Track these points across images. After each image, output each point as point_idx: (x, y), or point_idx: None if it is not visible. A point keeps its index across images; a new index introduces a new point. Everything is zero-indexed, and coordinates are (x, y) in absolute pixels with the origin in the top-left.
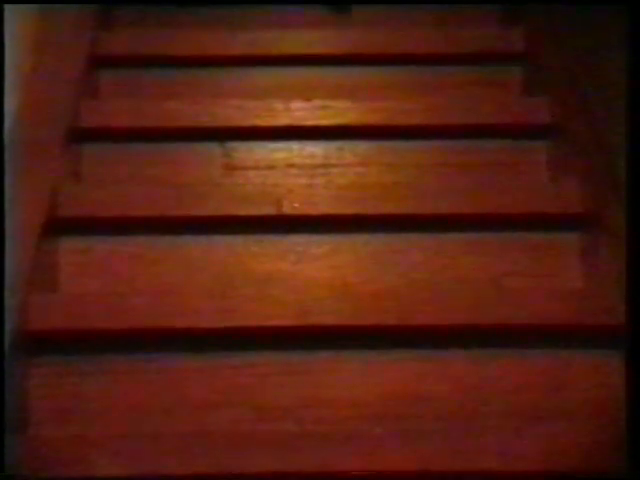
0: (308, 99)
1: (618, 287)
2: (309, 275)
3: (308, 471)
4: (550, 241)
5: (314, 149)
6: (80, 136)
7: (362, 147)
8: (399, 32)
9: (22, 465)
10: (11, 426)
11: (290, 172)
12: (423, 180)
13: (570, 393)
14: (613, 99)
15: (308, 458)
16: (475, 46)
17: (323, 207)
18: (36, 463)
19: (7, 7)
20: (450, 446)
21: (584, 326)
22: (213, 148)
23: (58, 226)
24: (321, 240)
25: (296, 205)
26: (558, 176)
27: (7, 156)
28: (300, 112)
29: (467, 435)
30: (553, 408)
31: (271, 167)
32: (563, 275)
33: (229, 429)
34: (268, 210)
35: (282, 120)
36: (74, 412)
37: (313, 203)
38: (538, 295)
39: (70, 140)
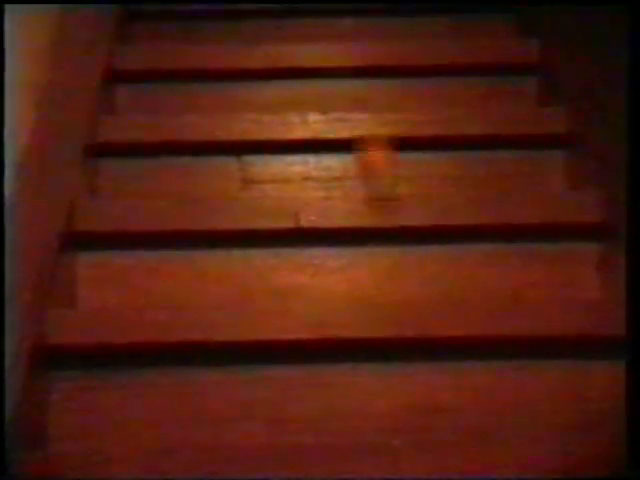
0: (324, 112)
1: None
2: (326, 288)
3: None
4: (567, 251)
5: (330, 162)
6: (97, 151)
7: None
8: (415, 44)
9: None
10: (30, 441)
11: (307, 185)
12: (439, 192)
13: (588, 404)
14: None
15: (326, 470)
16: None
17: (340, 220)
18: (54, 478)
19: (21, 19)
20: (467, 457)
21: (602, 337)
22: (230, 162)
23: (75, 240)
24: (338, 253)
25: (313, 218)
26: (575, 186)
27: (25, 172)
28: (317, 125)
29: (484, 446)
30: (571, 419)
31: (288, 181)
32: (580, 286)
33: (246, 442)
34: (285, 223)
35: (298, 133)
36: (92, 427)
37: (330, 216)
38: (555, 306)
39: (87, 155)
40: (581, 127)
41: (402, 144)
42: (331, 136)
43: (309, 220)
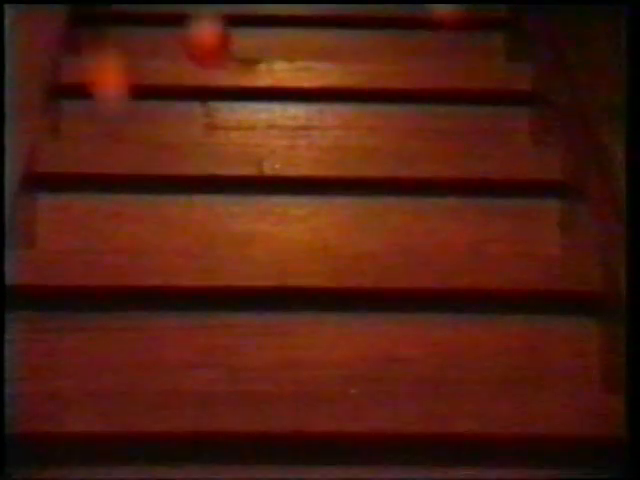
0: (291, 60)
1: (596, 254)
2: (289, 236)
3: (284, 432)
4: (530, 208)
5: (296, 111)
6: (60, 93)
7: (344, 110)
8: None
9: None
10: None
11: (272, 133)
12: (404, 144)
13: (546, 359)
14: (596, 66)
15: (284, 419)
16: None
17: (304, 169)
18: (9, 419)
19: None
20: (426, 409)
21: (561, 292)
22: (195, 108)
23: (36, 182)
24: (301, 202)
25: (277, 166)
26: (540, 144)
27: None
28: (283, 73)
29: (443, 398)
30: (529, 374)
31: (253, 128)
32: (542, 242)
33: (205, 389)
34: (249, 171)
35: (265, 81)
36: (47, 370)
37: (294, 165)
38: (516, 261)
39: (50, 97)
40: (548, 85)
41: (368, 96)
42: (296, 85)
43: (273, 168)
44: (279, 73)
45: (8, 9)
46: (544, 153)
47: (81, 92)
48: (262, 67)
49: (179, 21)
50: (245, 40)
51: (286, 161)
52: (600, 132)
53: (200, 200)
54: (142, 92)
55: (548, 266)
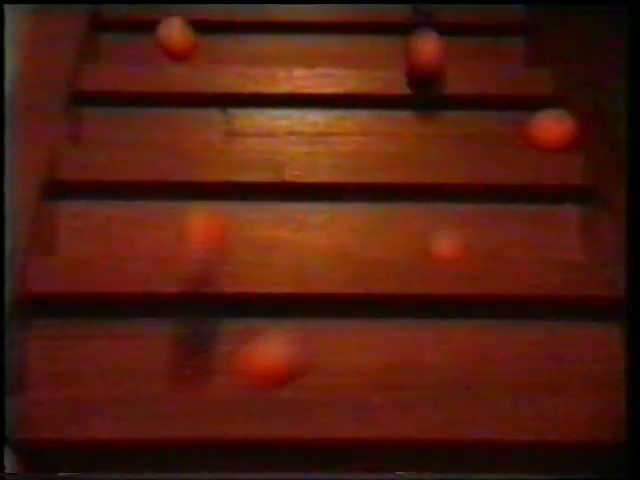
0: (310, 67)
1: (618, 259)
2: (309, 243)
3: (305, 438)
4: (550, 213)
5: (316, 117)
6: (80, 100)
7: (363, 116)
8: None
9: (20, 427)
10: (10, 388)
11: (291, 140)
12: (423, 150)
13: (568, 365)
14: (618, 73)
15: (305, 426)
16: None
17: (323, 175)
18: (33, 425)
19: None
20: (448, 415)
21: (581, 298)
22: (214, 115)
23: (58, 190)
24: (321, 208)
25: (297, 173)
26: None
27: (8, 121)
28: (302, 80)
29: (465, 404)
30: (551, 380)
31: (272, 135)
32: (562, 247)
33: (227, 396)
34: (269, 177)
35: (283, 88)
36: (72, 375)
37: (314, 171)
38: (536, 266)
39: (71, 104)
40: (567, 88)
41: (388, 102)
42: (316, 91)
43: (293, 174)
44: (298, 80)
45: (26, 14)
46: (565, 158)
47: (101, 99)
48: (281, 74)
49: (200, 27)
50: (262, 47)
51: (305, 168)
52: (620, 134)
53: (220, 206)
54: (161, 99)
55: (568, 271)
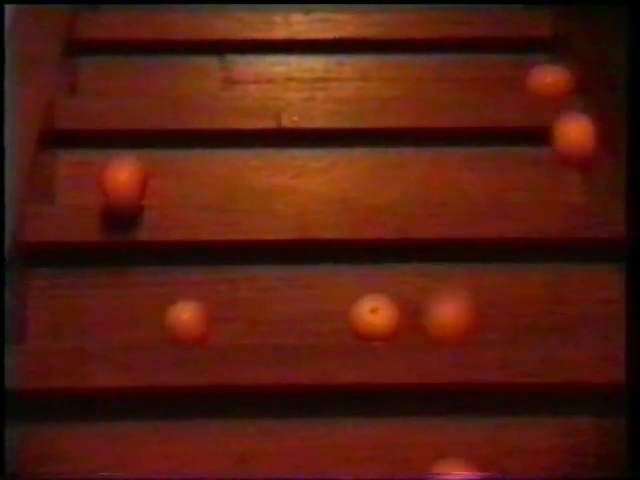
0: (307, 12)
1: (618, 201)
2: (308, 189)
3: (307, 383)
4: (551, 156)
5: (314, 63)
6: (76, 48)
7: (361, 61)
8: None
9: (20, 377)
10: (8, 337)
11: (289, 86)
12: (423, 95)
13: (569, 307)
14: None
15: (307, 371)
16: None
17: (322, 121)
18: (32, 374)
19: None
20: (450, 358)
21: (584, 240)
22: (212, 61)
23: (54, 139)
24: (320, 154)
25: (295, 119)
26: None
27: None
28: (299, 25)
29: (468, 348)
30: (552, 322)
31: (270, 81)
32: (564, 190)
33: (228, 342)
34: (267, 124)
35: (281, 33)
36: (70, 324)
37: (312, 117)
38: (538, 209)
39: (66, 52)
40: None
41: (386, 46)
42: (313, 36)
43: (291, 121)
44: (295, 25)
45: None
46: (565, 102)
47: (98, 47)
48: (278, 19)
49: None
50: None
51: (304, 113)
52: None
53: (219, 154)
54: (158, 46)
55: (570, 213)
